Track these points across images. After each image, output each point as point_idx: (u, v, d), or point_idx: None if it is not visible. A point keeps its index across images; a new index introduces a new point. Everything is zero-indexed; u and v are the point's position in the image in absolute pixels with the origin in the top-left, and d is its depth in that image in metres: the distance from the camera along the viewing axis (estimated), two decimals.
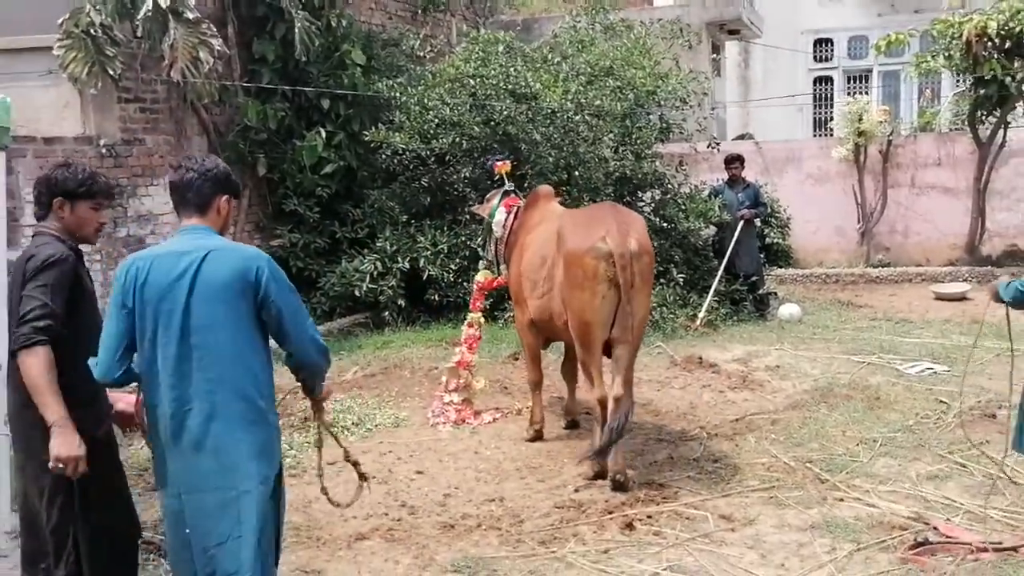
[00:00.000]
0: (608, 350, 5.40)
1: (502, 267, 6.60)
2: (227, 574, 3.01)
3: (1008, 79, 11.24)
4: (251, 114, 9.73)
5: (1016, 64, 11.21)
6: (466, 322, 6.95)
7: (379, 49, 11.35)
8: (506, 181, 6.76)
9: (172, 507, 3.10)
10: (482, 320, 6.99)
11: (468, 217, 9.54)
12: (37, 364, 3.14)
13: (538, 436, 6.17)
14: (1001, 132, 12.11)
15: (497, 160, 7.17)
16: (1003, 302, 4.22)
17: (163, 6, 8.18)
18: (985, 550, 4.14)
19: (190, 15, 8.46)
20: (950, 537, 4.31)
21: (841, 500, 4.86)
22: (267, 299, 3.04)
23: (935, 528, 4.42)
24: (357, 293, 9.71)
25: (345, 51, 10.42)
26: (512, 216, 6.45)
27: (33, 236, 3.54)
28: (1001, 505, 4.71)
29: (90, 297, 3.49)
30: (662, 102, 10.38)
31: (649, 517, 4.76)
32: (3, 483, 4.21)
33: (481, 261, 7.40)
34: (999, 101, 11.72)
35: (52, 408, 3.12)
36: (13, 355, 3.26)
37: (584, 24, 11.60)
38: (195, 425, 3.00)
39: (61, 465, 3.11)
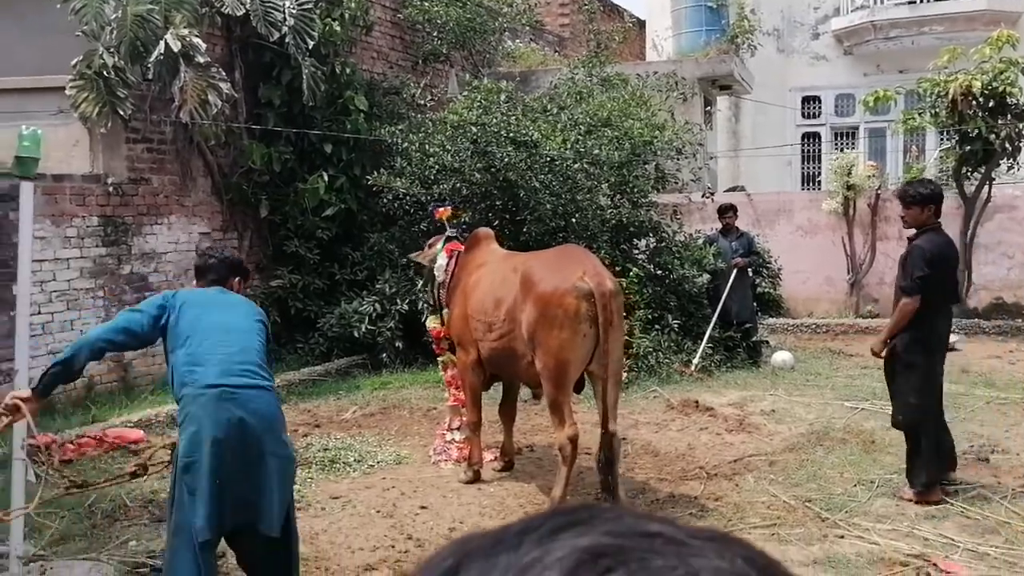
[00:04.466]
0: (579, 387, 5.56)
1: (444, 311, 6.48)
2: None
3: (992, 136, 11.55)
4: (256, 157, 9.92)
5: (1000, 122, 11.54)
6: (440, 367, 6.97)
7: (381, 96, 11.60)
8: (447, 227, 6.78)
9: None
10: (452, 358, 6.63)
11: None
12: None
13: (476, 477, 6.11)
14: (986, 188, 12.41)
15: (439, 206, 7.30)
16: None
17: (175, 50, 8.40)
18: None
19: (201, 59, 8.68)
20: (950, 573, 4.41)
21: (842, 537, 4.94)
22: None
23: (935, 564, 4.51)
24: (356, 334, 9.81)
25: (348, 97, 10.66)
26: (453, 260, 6.42)
27: None
28: (998, 543, 4.80)
29: None
30: (658, 152, 10.61)
31: None
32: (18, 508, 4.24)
33: (425, 306, 7.40)
34: (984, 158, 12.03)
35: None
36: None
37: (582, 76, 11.89)
38: None
39: None
